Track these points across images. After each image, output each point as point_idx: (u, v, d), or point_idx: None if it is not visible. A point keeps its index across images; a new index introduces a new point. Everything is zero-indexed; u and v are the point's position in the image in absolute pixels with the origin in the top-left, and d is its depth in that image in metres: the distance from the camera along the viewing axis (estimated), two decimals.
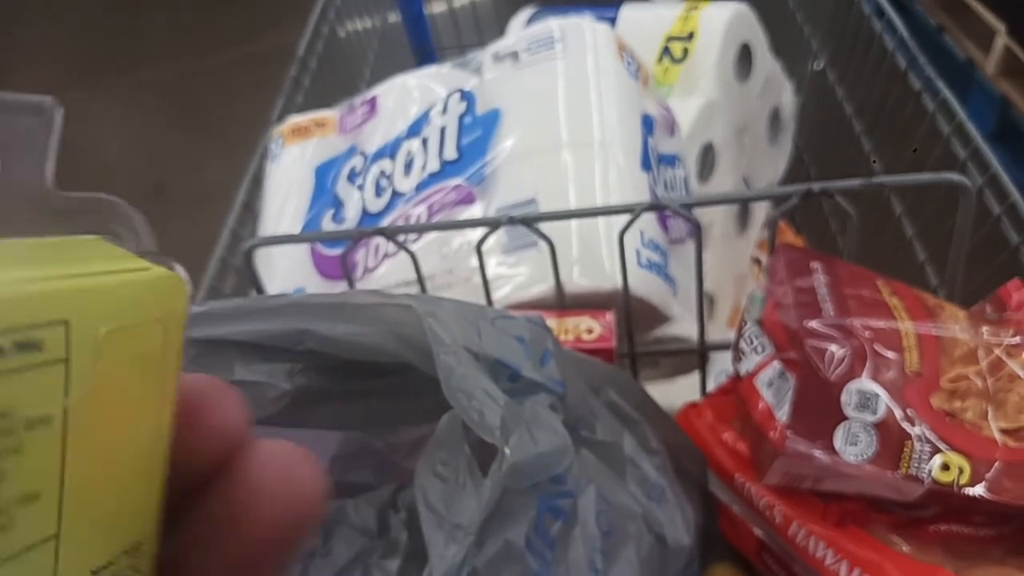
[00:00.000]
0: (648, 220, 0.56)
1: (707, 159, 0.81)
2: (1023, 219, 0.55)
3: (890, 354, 0.39)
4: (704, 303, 0.84)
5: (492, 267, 0.54)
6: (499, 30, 1.07)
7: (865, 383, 0.38)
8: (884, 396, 0.37)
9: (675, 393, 0.71)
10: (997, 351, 0.40)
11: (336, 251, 0.58)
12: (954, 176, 0.46)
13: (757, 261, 0.99)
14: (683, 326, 0.60)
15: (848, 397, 0.37)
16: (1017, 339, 0.41)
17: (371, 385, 0.29)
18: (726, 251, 0.86)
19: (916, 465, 0.37)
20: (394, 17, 1.20)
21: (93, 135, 2.53)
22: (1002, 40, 1.63)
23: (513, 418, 0.24)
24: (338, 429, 0.34)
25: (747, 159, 0.89)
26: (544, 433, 0.25)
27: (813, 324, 0.39)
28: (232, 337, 0.25)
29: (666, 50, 0.82)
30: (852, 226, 0.46)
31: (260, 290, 0.54)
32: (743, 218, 0.89)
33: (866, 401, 0.37)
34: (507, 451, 0.23)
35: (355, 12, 1.05)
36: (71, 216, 0.15)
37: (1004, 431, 0.38)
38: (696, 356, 0.58)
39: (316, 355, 0.26)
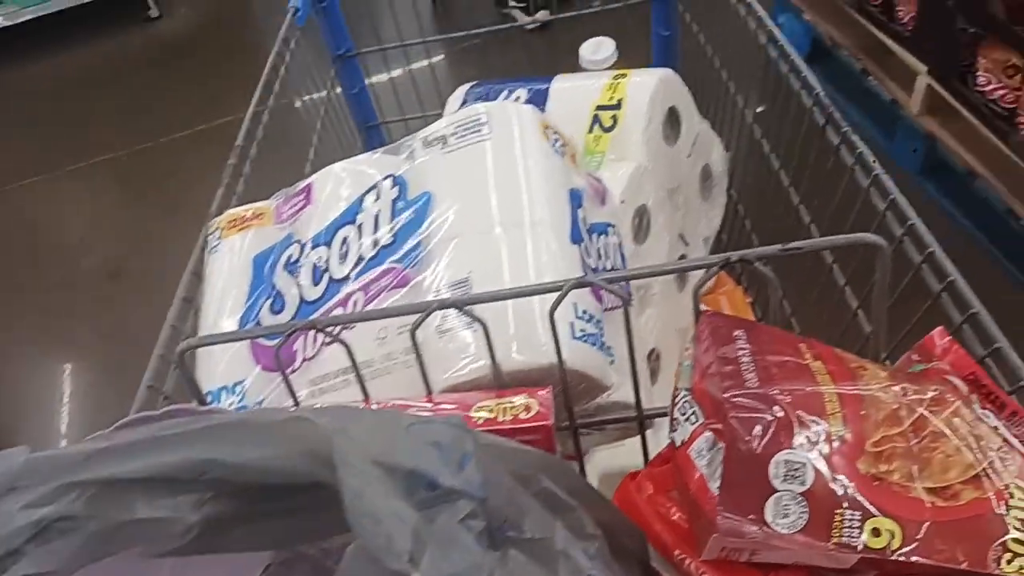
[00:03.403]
0: (581, 292, 0.57)
1: (642, 222, 0.83)
2: (943, 268, 0.57)
3: (814, 421, 0.39)
4: (648, 359, 0.85)
5: (429, 349, 0.54)
6: (440, 102, 1.09)
7: (791, 453, 0.38)
8: (811, 465, 0.38)
9: (624, 455, 0.72)
10: (920, 409, 0.41)
11: (275, 343, 0.58)
12: (868, 236, 0.48)
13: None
14: (625, 392, 0.60)
15: (776, 469, 0.38)
16: (937, 394, 0.42)
17: (289, 503, 0.28)
18: (668, 308, 0.87)
19: (848, 533, 0.37)
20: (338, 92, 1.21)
21: (52, 217, 2.50)
22: (924, 80, 1.71)
23: (424, 538, 0.24)
24: (261, 550, 0.33)
25: (682, 217, 0.91)
26: (458, 552, 0.25)
27: (737, 395, 0.40)
28: (135, 475, 0.25)
29: (596, 119, 0.84)
30: (773, 290, 0.48)
31: (196, 392, 0.54)
32: (684, 273, 0.90)
33: (794, 471, 0.38)
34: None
35: (297, 92, 1.06)
36: None
37: (931, 490, 0.39)
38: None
39: (225, 482, 0.26)
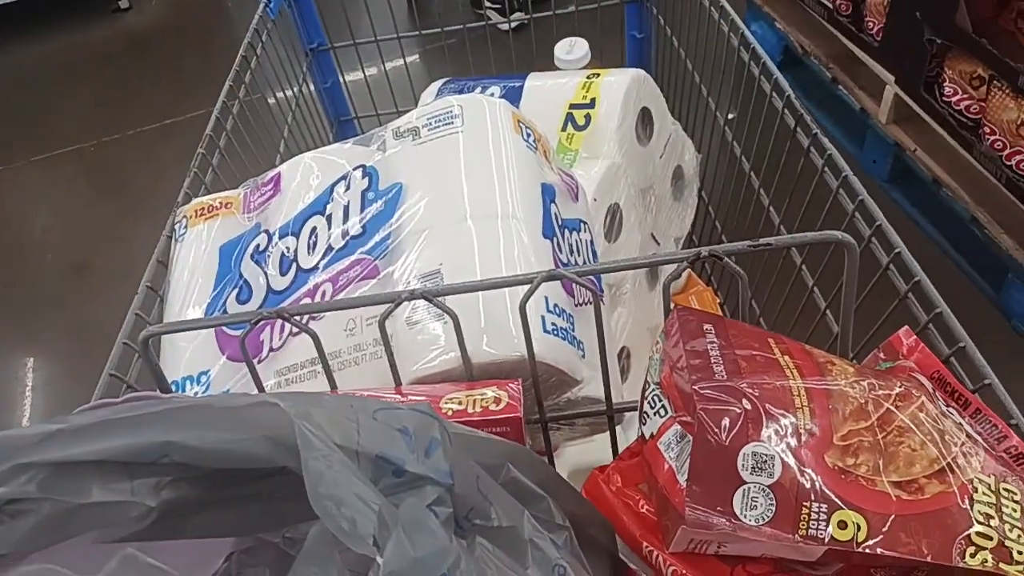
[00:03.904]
0: (553, 286, 0.57)
1: (614, 220, 0.83)
2: (909, 269, 0.57)
3: (783, 414, 0.40)
4: (619, 358, 0.85)
5: (399, 341, 0.54)
6: (414, 100, 1.09)
7: (760, 446, 0.38)
8: (779, 457, 0.38)
9: (594, 451, 0.71)
10: (887, 404, 0.42)
11: (240, 332, 0.57)
12: (837, 234, 0.48)
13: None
14: (595, 387, 0.60)
15: (744, 461, 0.38)
16: (903, 389, 0.42)
17: (252, 488, 0.28)
18: (639, 305, 0.88)
19: (815, 525, 0.37)
20: (311, 88, 1.20)
21: (16, 210, 2.45)
22: (892, 90, 1.73)
23: (389, 523, 0.23)
24: (223, 536, 0.32)
25: (653, 216, 0.91)
26: (423, 536, 0.24)
27: (705, 387, 0.40)
28: (90, 457, 0.24)
29: (569, 117, 0.84)
30: (743, 287, 0.48)
31: (160, 380, 0.52)
32: (653, 272, 0.91)
33: (762, 463, 0.38)
34: (380, 560, 0.22)
35: (268, 85, 1.05)
36: None
37: (896, 484, 0.39)
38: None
39: (185, 466, 0.25)
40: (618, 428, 0.62)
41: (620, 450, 0.59)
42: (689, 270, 1.03)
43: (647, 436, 0.45)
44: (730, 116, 0.95)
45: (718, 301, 1.02)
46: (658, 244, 0.95)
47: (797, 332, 0.74)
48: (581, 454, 0.76)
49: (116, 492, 0.25)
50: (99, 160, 2.54)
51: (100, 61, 2.97)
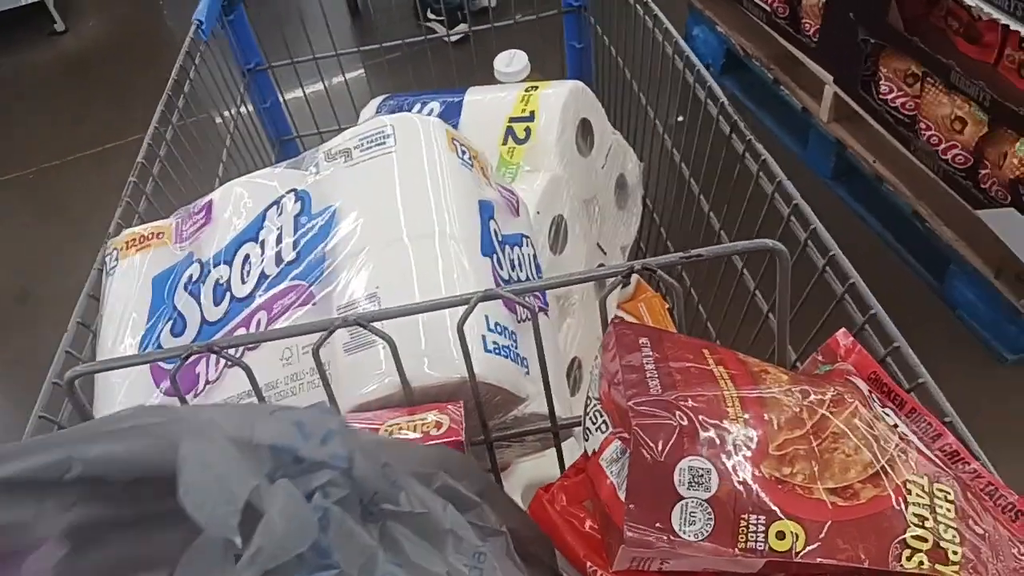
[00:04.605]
0: (494, 304, 0.56)
1: (559, 231, 0.83)
2: (844, 271, 0.58)
3: (718, 426, 0.39)
4: (570, 369, 0.85)
5: (337, 368, 0.53)
6: (356, 114, 1.07)
7: (696, 460, 0.38)
8: (715, 470, 0.38)
9: (547, 466, 0.71)
10: (820, 410, 0.42)
11: (172, 367, 0.55)
12: (768, 242, 0.48)
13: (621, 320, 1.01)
14: (542, 403, 0.60)
15: (680, 476, 0.38)
16: (836, 395, 0.43)
17: (171, 503, 0.27)
18: (589, 317, 0.88)
19: (753, 537, 0.37)
20: (249, 108, 1.18)
21: None
22: (831, 89, 1.77)
23: (260, 507, 0.23)
24: (146, 561, 0.31)
25: (598, 226, 0.91)
26: (290, 512, 0.24)
27: (641, 402, 0.40)
28: None
29: (510, 131, 0.84)
30: (677, 297, 0.48)
31: (88, 420, 0.51)
32: (601, 281, 0.91)
33: (698, 477, 0.38)
34: (237, 541, 0.22)
35: (205, 107, 1.03)
36: None
37: (832, 491, 0.39)
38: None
39: (94, 484, 0.24)
40: (571, 442, 0.62)
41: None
42: (638, 277, 1.04)
43: (589, 452, 0.45)
44: (679, 119, 0.95)
45: (667, 307, 1.02)
46: (604, 253, 0.95)
47: (743, 335, 0.75)
48: (534, 469, 0.76)
49: (20, 514, 0.24)
50: (39, 187, 2.48)
51: (37, 85, 2.91)
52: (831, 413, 0.42)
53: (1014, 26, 1.28)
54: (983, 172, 1.43)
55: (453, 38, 1.31)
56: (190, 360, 0.50)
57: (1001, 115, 1.35)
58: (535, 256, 0.71)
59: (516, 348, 0.58)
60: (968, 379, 1.52)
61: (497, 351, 0.55)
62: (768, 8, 1.89)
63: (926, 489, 0.40)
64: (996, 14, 1.30)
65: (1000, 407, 1.48)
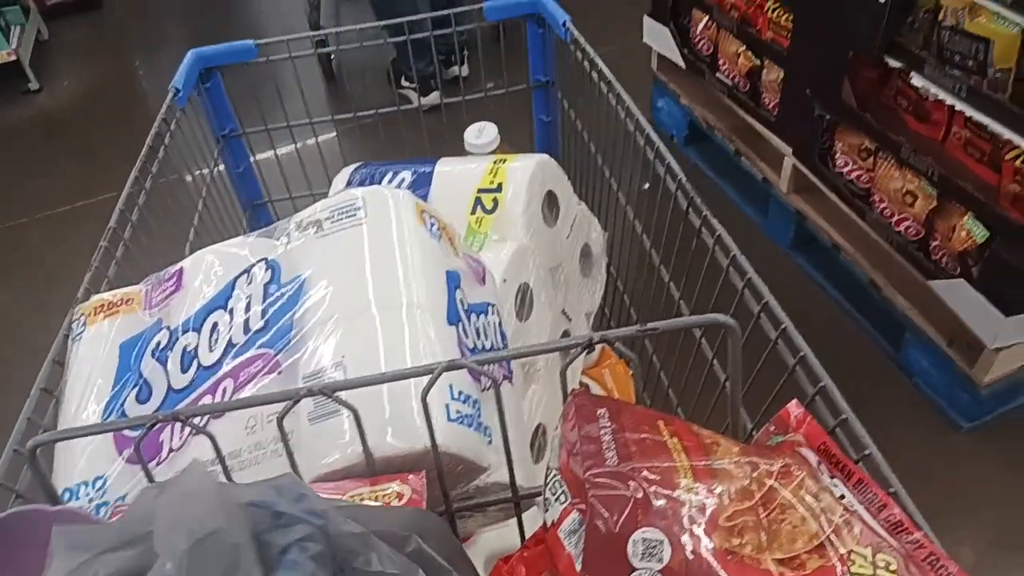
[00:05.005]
0: (458, 373, 0.58)
1: (525, 299, 0.85)
2: (796, 344, 0.61)
3: (671, 497, 0.41)
4: (535, 436, 0.86)
5: (301, 437, 0.53)
6: (328, 179, 1.09)
7: (648, 531, 0.39)
8: (668, 541, 0.39)
9: (510, 535, 0.71)
10: (769, 481, 0.44)
11: (136, 435, 0.55)
12: (719, 317, 0.51)
13: (585, 388, 1.03)
14: (504, 472, 0.61)
15: (634, 547, 0.39)
16: (784, 467, 0.44)
17: None
18: (553, 382, 0.89)
19: None
20: (222, 172, 1.20)
21: None
22: (790, 161, 1.84)
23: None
24: None
25: (563, 293, 0.94)
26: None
27: (597, 473, 0.41)
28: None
29: (478, 202, 0.87)
30: (634, 368, 0.50)
31: (48, 491, 0.51)
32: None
33: (651, 549, 0.39)
34: None
35: (178, 171, 1.04)
36: None
37: (780, 561, 0.40)
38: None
39: None
40: (533, 511, 0.62)
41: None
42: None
43: (548, 523, 0.46)
44: (646, 186, 0.99)
45: (630, 373, 1.04)
46: (570, 320, 0.97)
47: (703, 403, 0.77)
48: (497, 540, 0.76)
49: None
50: (8, 244, 2.46)
51: (10, 143, 2.90)
52: (779, 484, 0.43)
53: (959, 106, 1.35)
54: (934, 244, 1.49)
55: (421, 107, 1.35)
56: (154, 428, 0.50)
57: (949, 190, 1.41)
58: (500, 324, 0.72)
59: (479, 417, 0.59)
60: (923, 445, 1.55)
61: (460, 420, 0.56)
62: (729, 82, 1.97)
63: (869, 559, 0.41)
64: (943, 95, 1.37)
65: (953, 473, 1.51)
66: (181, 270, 0.65)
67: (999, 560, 1.40)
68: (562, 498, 0.45)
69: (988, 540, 1.41)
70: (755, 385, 0.68)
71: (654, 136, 0.82)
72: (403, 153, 1.08)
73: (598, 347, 1.05)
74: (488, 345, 0.68)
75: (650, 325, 0.49)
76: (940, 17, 1.35)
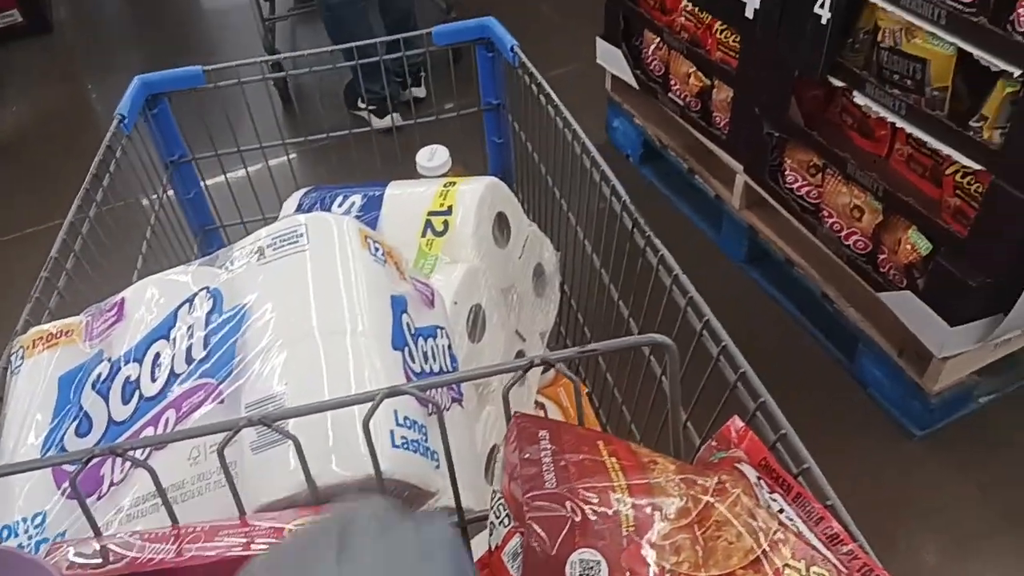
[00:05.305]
0: (404, 398, 0.58)
1: (477, 320, 0.85)
2: (737, 362, 0.62)
3: (608, 518, 0.41)
4: (489, 458, 0.86)
5: (244, 467, 0.53)
6: (280, 203, 1.09)
7: (586, 552, 0.40)
8: (605, 562, 0.40)
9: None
10: (705, 498, 0.44)
11: (73, 471, 0.54)
12: (657, 337, 0.51)
13: (541, 406, 1.03)
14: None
15: (572, 569, 0.39)
16: (719, 484, 0.45)
17: None
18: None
19: None
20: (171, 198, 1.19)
21: None
22: (741, 178, 1.87)
23: None
24: None
25: (516, 314, 0.94)
26: None
27: (535, 495, 0.41)
28: None
29: (428, 224, 0.87)
30: (576, 389, 0.50)
31: None
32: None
33: (589, 570, 0.39)
34: None
35: (135, 194, 1.03)
36: None
37: None
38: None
39: None
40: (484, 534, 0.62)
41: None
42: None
43: (492, 547, 0.46)
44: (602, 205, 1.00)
45: (586, 390, 1.05)
46: (524, 340, 0.98)
47: (653, 420, 0.78)
48: None
49: None
50: None
51: None
52: (715, 501, 0.44)
53: (900, 123, 1.39)
54: (881, 257, 1.53)
55: (373, 129, 1.35)
56: (94, 461, 0.50)
57: (894, 204, 1.45)
58: (449, 347, 0.72)
59: (426, 442, 0.59)
60: (878, 453, 1.58)
61: (406, 446, 0.56)
62: (681, 102, 2.01)
63: (803, 573, 0.42)
64: (884, 112, 1.41)
65: (906, 480, 1.54)
66: (122, 300, 0.64)
67: (951, 565, 1.43)
68: (505, 521, 0.46)
69: (941, 545, 1.44)
70: (703, 400, 0.69)
71: (599, 158, 0.83)
72: (355, 176, 1.08)
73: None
74: (436, 368, 0.68)
75: (589, 346, 0.49)
76: (879, 38, 1.39)
